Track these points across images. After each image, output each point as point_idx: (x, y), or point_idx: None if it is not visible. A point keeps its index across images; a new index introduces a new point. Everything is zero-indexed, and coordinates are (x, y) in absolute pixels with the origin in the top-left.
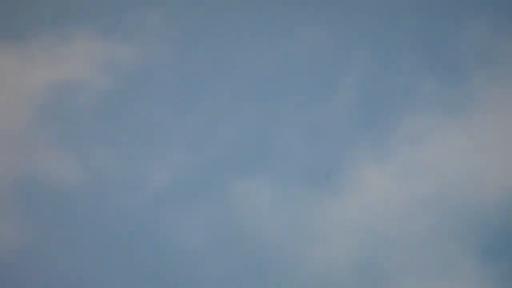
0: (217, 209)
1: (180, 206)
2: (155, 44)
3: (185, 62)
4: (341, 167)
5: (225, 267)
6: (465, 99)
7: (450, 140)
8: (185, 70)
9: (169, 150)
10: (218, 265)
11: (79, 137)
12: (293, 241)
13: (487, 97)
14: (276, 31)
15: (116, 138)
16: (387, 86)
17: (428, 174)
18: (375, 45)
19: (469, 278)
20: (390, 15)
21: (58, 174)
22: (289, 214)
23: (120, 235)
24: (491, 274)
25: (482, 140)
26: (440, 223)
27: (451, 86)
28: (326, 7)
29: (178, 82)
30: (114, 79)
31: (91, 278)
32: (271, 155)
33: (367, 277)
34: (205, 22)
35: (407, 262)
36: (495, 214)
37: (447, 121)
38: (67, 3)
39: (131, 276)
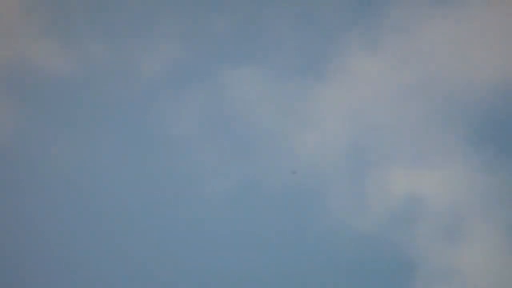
0: (208, 96)
1: (172, 94)
2: None
3: None
4: (331, 56)
5: (216, 152)
6: None
7: (439, 29)
8: None
9: (161, 41)
10: (208, 150)
11: (72, 28)
12: (284, 127)
13: None
14: None
15: (108, 30)
16: None
17: (418, 62)
18: None
19: (459, 161)
20: None
21: (50, 64)
22: (280, 101)
23: (111, 122)
24: (480, 157)
25: (471, 29)
26: (429, 108)
27: None
28: None
29: None
30: None
31: (82, 163)
32: (262, 46)
33: (358, 161)
34: None
35: (397, 146)
36: (482, 100)
37: (436, 11)
38: None
39: (120, 160)
